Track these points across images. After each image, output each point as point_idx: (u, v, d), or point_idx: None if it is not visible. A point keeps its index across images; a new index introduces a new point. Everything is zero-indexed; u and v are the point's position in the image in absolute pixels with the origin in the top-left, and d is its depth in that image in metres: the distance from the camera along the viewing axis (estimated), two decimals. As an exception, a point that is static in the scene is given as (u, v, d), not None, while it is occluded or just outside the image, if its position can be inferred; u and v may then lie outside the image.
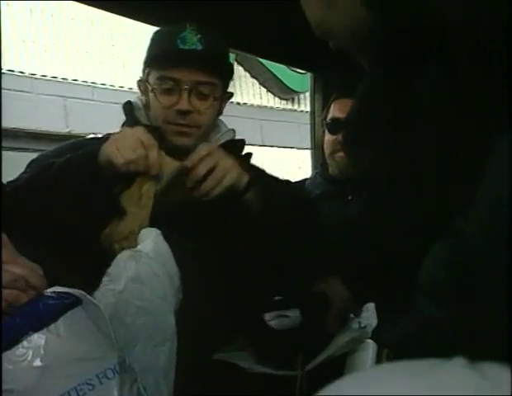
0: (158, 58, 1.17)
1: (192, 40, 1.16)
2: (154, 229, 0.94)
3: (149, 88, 1.18)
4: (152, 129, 1.16)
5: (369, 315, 1.12)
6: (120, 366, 0.65)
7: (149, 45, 1.22)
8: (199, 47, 1.16)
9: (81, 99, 5.35)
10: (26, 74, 5.33)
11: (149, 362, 0.79)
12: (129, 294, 0.82)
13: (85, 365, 0.62)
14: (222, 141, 1.24)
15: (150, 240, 0.90)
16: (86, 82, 5.49)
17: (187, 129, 1.17)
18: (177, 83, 1.15)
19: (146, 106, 1.22)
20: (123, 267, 0.85)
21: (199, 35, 1.17)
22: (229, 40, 1.84)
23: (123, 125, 1.25)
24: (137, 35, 5.51)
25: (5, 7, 4.97)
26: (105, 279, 0.84)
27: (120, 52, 5.83)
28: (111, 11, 1.56)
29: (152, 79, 1.18)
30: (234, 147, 1.25)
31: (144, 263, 0.86)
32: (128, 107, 1.24)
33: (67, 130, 5.49)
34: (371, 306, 1.14)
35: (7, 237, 0.70)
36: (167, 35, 1.19)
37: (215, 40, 1.21)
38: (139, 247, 0.90)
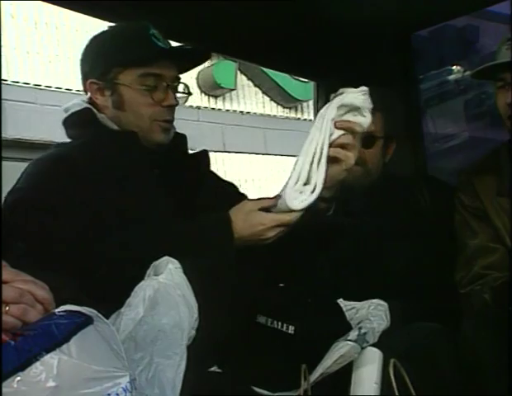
0: (141, 56, 1.16)
1: (161, 37, 1.19)
2: (171, 260, 0.95)
3: (126, 86, 1.16)
4: (131, 135, 1.17)
5: (363, 315, 1.10)
6: (131, 385, 0.65)
7: (113, 45, 1.18)
8: (167, 44, 1.20)
9: (85, 109, 5.36)
10: (31, 85, 5.36)
11: (156, 373, 0.80)
12: (146, 321, 0.85)
13: (97, 384, 0.62)
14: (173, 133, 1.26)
15: (168, 270, 0.93)
16: (90, 92, 5.50)
17: (169, 126, 1.21)
18: (161, 79, 1.17)
19: (116, 107, 1.18)
20: (142, 297, 0.87)
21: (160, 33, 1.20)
22: (232, 49, 1.85)
23: (74, 136, 1.20)
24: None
25: (10, 19, 5.01)
26: (125, 309, 0.87)
27: (123, 62, 5.84)
28: (79, 11, 1.52)
29: (129, 77, 1.16)
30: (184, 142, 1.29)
31: (163, 292, 0.89)
32: (90, 116, 1.19)
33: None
34: (366, 305, 1.12)
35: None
36: (136, 34, 1.18)
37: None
38: (158, 277, 0.92)
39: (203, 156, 1.30)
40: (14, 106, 4.82)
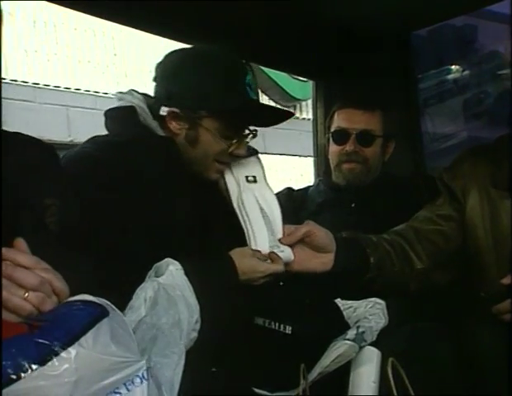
0: (234, 109, 1.15)
1: (254, 85, 1.19)
2: (172, 261, 0.96)
3: (206, 130, 1.15)
4: (169, 142, 1.16)
5: (361, 314, 1.10)
6: (147, 373, 0.66)
7: (210, 88, 1.14)
8: (257, 93, 1.20)
9: (83, 108, 5.36)
10: (29, 84, 5.36)
11: (154, 373, 0.79)
12: (145, 321, 0.86)
13: (114, 374, 0.63)
14: None
15: (169, 272, 0.94)
16: (88, 91, 5.51)
17: (225, 167, 1.23)
18: (241, 131, 1.19)
19: (188, 142, 1.16)
20: (143, 298, 0.89)
21: (255, 80, 1.20)
22: (230, 48, 1.85)
23: (115, 131, 1.17)
24: (139, 45, 5.54)
25: (8, 17, 5.01)
26: (127, 311, 0.87)
27: (122, 61, 5.85)
28: (95, 15, 1.51)
29: (213, 124, 1.15)
30: None
31: (163, 292, 0.90)
32: (131, 118, 1.16)
33: (69, 139, 5.50)
34: (363, 304, 1.12)
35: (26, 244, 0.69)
36: (234, 83, 1.15)
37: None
38: (159, 278, 0.93)
39: None
40: (12, 105, 4.81)
